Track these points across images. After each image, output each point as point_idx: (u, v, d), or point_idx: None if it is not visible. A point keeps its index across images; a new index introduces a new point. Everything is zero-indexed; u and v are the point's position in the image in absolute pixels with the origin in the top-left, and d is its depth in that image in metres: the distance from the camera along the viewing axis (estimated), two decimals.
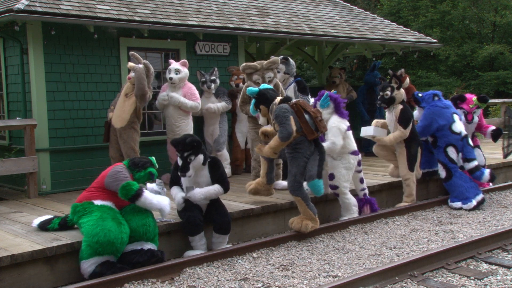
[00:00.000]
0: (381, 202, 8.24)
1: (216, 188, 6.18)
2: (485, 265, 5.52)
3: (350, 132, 7.37)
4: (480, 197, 8.11)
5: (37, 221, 5.97)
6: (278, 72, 8.20)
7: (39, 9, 7.54)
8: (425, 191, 8.91)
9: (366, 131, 8.25)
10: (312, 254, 6.04)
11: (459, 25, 26.82)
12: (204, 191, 6.12)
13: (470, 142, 8.42)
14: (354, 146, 7.39)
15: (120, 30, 8.53)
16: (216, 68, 9.18)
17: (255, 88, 6.85)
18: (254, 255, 6.01)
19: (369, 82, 11.73)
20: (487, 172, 8.21)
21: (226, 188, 6.27)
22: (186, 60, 8.56)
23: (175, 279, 5.33)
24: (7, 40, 8.35)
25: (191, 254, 5.99)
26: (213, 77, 9.03)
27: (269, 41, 11.59)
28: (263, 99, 6.71)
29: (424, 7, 26.91)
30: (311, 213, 6.51)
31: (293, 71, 8.55)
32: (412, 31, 13.83)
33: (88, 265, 5.27)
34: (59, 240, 5.42)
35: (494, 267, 5.45)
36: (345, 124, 7.28)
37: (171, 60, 8.59)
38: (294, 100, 6.69)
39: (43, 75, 7.93)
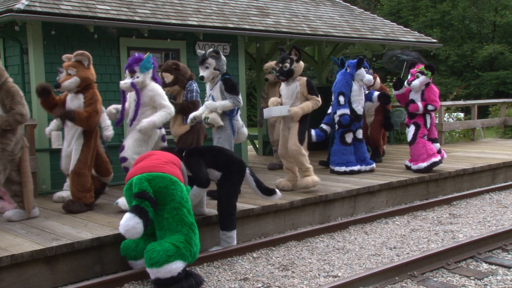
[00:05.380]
0: (381, 202, 8.23)
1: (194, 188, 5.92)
2: (485, 265, 5.52)
3: None
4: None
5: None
6: (207, 68, 7.14)
7: (39, 9, 7.55)
8: (425, 191, 8.91)
9: (272, 112, 7.77)
10: (312, 254, 6.04)
11: (459, 25, 26.85)
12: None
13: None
14: None
15: (120, 30, 8.53)
16: None
17: None
18: (254, 255, 6.01)
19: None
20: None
21: (198, 184, 5.87)
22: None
23: None
24: (7, 40, 8.35)
25: None
26: None
27: (269, 41, 11.59)
28: None
29: (424, 7, 26.96)
30: None
31: (223, 68, 7.29)
32: (412, 31, 13.85)
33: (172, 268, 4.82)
34: (59, 240, 5.41)
35: (494, 267, 5.45)
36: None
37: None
38: None
39: (43, 75, 7.92)
